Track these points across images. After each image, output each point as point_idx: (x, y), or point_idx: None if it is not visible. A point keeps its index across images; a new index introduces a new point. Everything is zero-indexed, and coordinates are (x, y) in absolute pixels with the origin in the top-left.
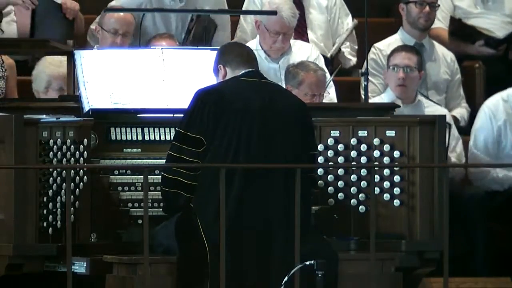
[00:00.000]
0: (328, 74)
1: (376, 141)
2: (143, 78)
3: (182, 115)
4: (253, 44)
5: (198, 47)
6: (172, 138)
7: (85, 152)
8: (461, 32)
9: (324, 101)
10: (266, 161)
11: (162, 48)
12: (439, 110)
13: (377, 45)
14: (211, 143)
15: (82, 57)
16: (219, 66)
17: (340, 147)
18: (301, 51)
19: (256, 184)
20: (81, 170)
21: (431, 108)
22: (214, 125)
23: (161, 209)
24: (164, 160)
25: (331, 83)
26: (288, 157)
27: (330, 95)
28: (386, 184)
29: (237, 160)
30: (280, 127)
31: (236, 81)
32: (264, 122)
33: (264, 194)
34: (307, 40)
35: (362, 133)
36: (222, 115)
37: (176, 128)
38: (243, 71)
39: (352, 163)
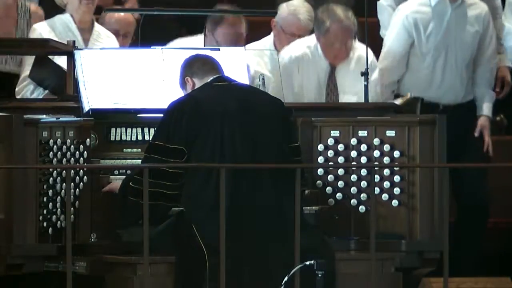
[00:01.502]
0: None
1: (376, 141)
2: (143, 78)
3: (157, 127)
4: (267, 43)
5: (198, 47)
6: (145, 151)
7: (85, 152)
8: None
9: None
10: (252, 160)
11: (162, 48)
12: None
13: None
14: (192, 150)
15: (82, 57)
16: (186, 78)
17: (340, 147)
18: None
19: (244, 184)
20: (81, 170)
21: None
22: (194, 132)
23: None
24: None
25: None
26: (273, 153)
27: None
28: (386, 184)
29: (224, 162)
30: (260, 124)
31: (208, 87)
32: (243, 122)
33: (254, 193)
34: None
35: (362, 133)
36: (201, 122)
37: (151, 142)
38: (212, 78)
39: (352, 163)
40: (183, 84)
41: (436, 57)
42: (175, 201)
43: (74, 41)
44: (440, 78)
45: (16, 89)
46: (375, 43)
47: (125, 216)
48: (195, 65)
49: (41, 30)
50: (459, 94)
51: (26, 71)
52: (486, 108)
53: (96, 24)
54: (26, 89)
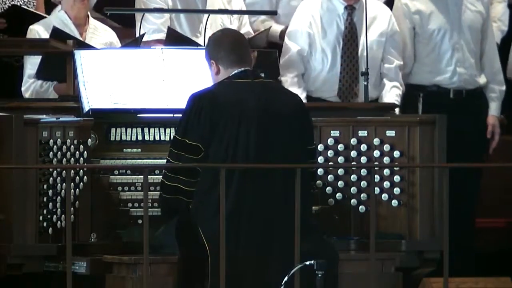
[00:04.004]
0: None
1: (376, 141)
2: (143, 78)
3: (179, 119)
4: None
5: (198, 47)
6: (170, 144)
7: (85, 152)
8: None
9: None
10: (265, 161)
11: (162, 48)
12: None
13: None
14: (210, 147)
15: (82, 57)
16: (212, 61)
17: (340, 147)
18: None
19: (254, 184)
20: (81, 170)
21: None
22: (211, 129)
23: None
24: (165, 161)
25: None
26: (287, 156)
27: None
28: (386, 184)
29: (236, 162)
30: (278, 126)
31: (229, 83)
32: (261, 122)
33: (263, 193)
34: None
35: (362, 133)
36: (219, 119)
37: (174, 135)
38: (236, 71)
39: (352, 163)
40: (209, 61)
41: (441, 39)
42: (191, 197)
43: (74, 41)
44: (448, 59)
45: (23, 88)
46: None
47: (162, 211)
48: (222, 51)
49: (38, 30)
50: (469, 75)
51: (29, 70)
52: (492, 107)
53: (91, 18)
54: (35, 85)
